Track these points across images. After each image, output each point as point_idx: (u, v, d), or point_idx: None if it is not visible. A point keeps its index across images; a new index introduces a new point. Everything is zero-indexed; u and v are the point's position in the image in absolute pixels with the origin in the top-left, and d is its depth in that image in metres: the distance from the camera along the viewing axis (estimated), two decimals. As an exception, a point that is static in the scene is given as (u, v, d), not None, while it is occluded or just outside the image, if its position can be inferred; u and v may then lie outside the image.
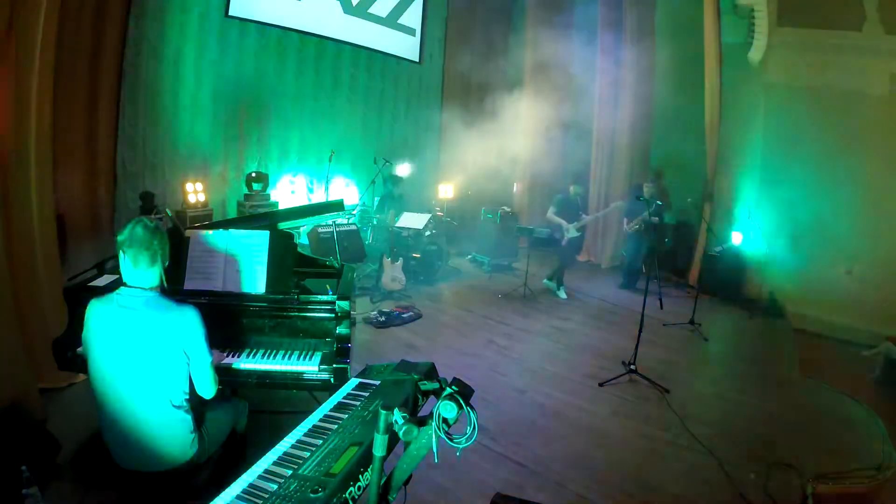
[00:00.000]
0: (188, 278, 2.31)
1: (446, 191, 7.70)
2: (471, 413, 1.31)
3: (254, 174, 6.14)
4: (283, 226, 2.72)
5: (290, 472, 1.37)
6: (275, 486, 1.31)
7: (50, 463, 2.35)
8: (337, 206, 2.93)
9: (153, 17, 5.14)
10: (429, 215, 6.08)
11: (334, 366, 2.26)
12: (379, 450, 1.27)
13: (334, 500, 1.25)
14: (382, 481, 1.36)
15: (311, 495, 1.25)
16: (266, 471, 1.38)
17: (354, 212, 6.43)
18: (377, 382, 1.90)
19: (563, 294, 6.04)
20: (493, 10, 8.50)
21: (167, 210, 3.65)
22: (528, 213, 8.07)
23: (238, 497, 1.28)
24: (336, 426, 1.60)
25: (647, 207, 4.68)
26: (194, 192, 5.53)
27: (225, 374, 2.18)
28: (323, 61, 6.91)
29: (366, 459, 1.38)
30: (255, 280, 2.32)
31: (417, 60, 8.01)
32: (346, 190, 7.19)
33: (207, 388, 1.84)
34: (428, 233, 6.21)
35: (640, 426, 3.27)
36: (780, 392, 3.92)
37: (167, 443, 1.73)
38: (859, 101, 5.42)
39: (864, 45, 5.38)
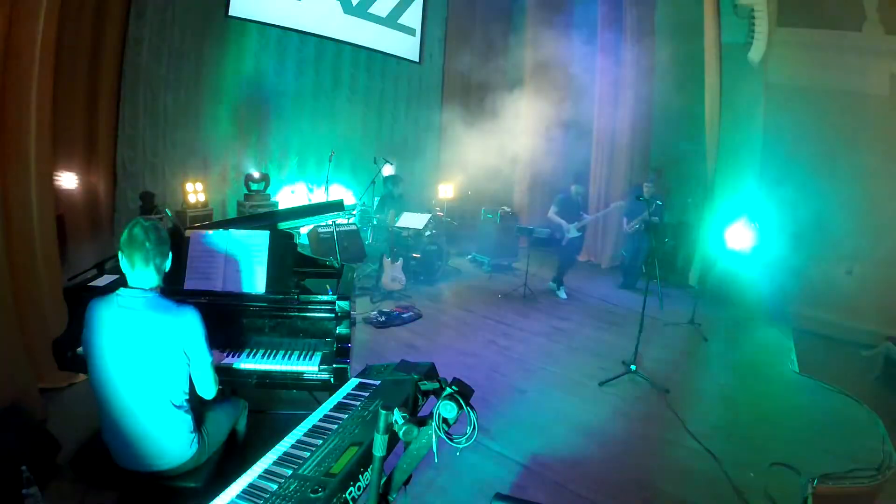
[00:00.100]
0: (188, 278, 2.31)
1: (446, 191, 7.70)
2: (471, 413, 1.31)
3: (254, 174, 6.15)
4: (283, 226, 2.72)
5: (290, 472, 1.37)
6: (275, 486, 1.31)
7: (50, 463, 2.35)
8: (337, 206, 2.94)
9: (153, 17, 5.13)
10: (429, 215, 6.08)
11: (334, 366, 2.26)
12: (379, 450, 1.27)
13: (334, 500, 1.26)
14: (382, 481, 1.36)
15: (311, 495, 1.26)
16: (266, 471, 1.39)
17: (354, 212, 6.43)
18: (377, 382, 1.90)
19: (563, 294, 6.04)
20: (493, 10, 8.49)
21: (167, 210, 3.66)
22: (528, 213, 8.07)
23: (238, 497, 1.28)
24: (336, 426, 1.60)
25: (647, 207, 4.67)
26: (194, 192, 5.53)
27: (225, 374, 2.18)
28: (323, 61, 6.91)
29: (366, 459, 1.38)
30: (255, 280, 2.32)
31: (417, 60, 8.01)
32: (345, 191, 7.19)
33: (208, 389, 1.84)
34: (428, 233, 6.21)
35: (640, 426, 3.26)
36: (780, 392, 3.92)
37: (167, 443, 1.73)
38: (859, 101, 5.41)
39: (864, 45, 5.37)
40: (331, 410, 1.72)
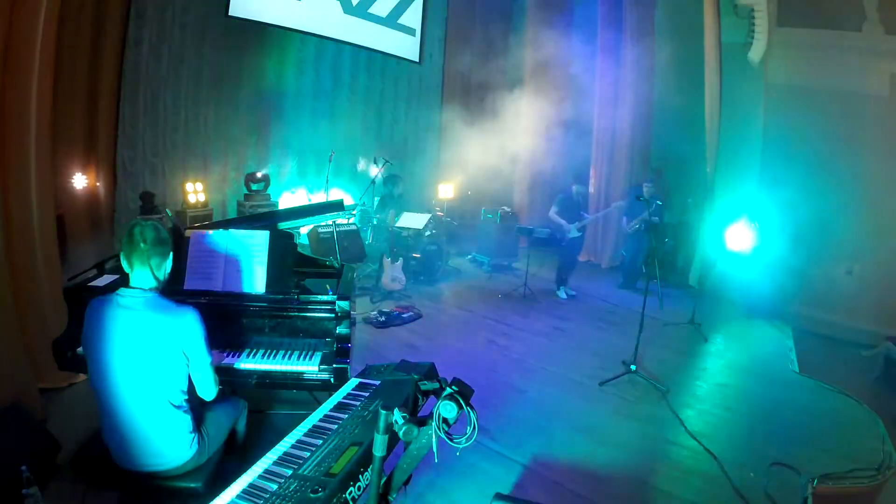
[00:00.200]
0: (188, 278, 2.31)
1: (446, 191, 7.70)
2: (471, 413, 1.32)
3: (254, 174, 6.14)
4: (283, 226, 2.72)
5: (290, 471, 1.37)
6: (275, 486, 1.31)
7: (50, 463, 2.35)
8: (337, 206, 2.94)
9: (153, 17, 5.14)
10: (429, 215, 6.08)
11: (334, 366, 2.26)
12: (379, 450, 1.27)
13: (334, 500, 1.26)
14: (382, 481, 1.37)
15: (311, 495, 1.26)
16: (266, 471, 1.39)
17: (354, 212, 6.43)
18: (377, 382, 1.90)
19: (563, 294, 6.04)
20: (493, 10, 8.49)
21: (167, 210, 3.66)
22: (528, 213, 8.07)
23: (238, 497, 1.28)
24: (336, 426, 1.60)
25: (647, 207, 4.67)
26: (194, 192, 5.54)
27: (225, 374, 2.18)
28: (323, 61, 6.91)
29: (366, 459, 1.38)
30: (255, 280, 2.32)
31: (417, 60, 8.00)
32: (344, 193, 7.19)
33: (208, 391, 1.84)
34: (428, 233, 6.21)
35: (640, 426, 3.26)
36: (780, 392, 3.92)
37: (167, 443, 1.73)
38: (859, 101, 5.41)
39: (864, 45, 5.36)
40: (331, 410, 1.72)
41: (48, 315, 2.91)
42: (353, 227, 6.01)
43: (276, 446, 1.51)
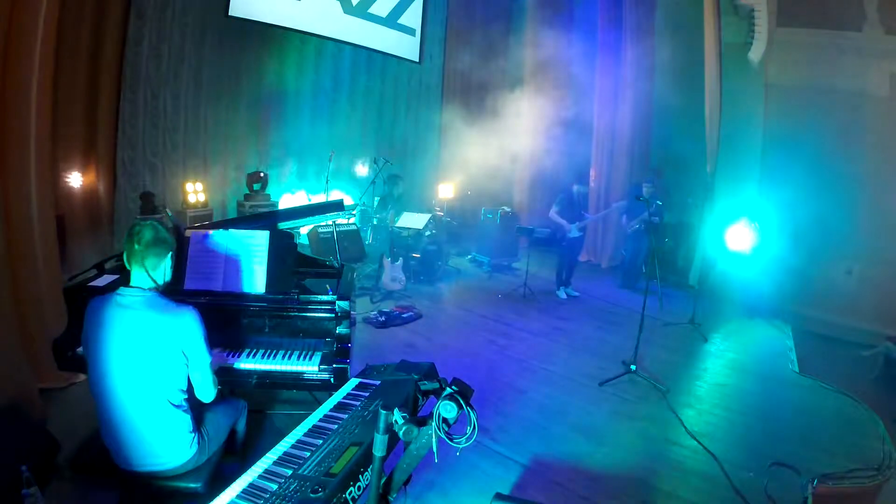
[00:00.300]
0: (188, 278, 2.31)
1: (446, 191, 7.70)
2: (471, 413, 1.32)
3: (254, 174, 6.14)
4: (283, 226, 2.72)
5: (290, 471, 1.37)
6: (275, 486, 1.31)
7: (50, 463, 2.35)
8: (337, 206, 2.94)
9: (153, 17, 5.14)
10: (429, 215, 6.08)
11: (334, 366, 2.26)
12: (379, 450, 1.27)
13: (334, 500, 1.26)
14: (382, 481, 1.37)
15: (311, 495, 1.26)
16: (266, 471, 1.39)
17: (354, 212, 6.44)
18: (377, 382, 1.90)
19: (562, 294, 6.04)
20: (493, 10, 8.50)
21: (167, 210, 3.65)
22: (528, 213, 8.07)
23: (238, 497, 1.28)
24: (336, 426, 1.60)
25: (647, 207, 4.67)
26: (194, 192, 5.54)
27: (225, 374, 2.18)
28: (323, 61, 6.91)
29: (366, 459, 1.38)
30: (254, 280, 2.32)
31: (417, 60, 8.01)
32: (344, 195, 7.19)
33: (207, 392, 1.83)
34: (428, 233, 6.21)
35: (640, 426, 3.26)
36: (780, 392, 3.92)
37: (166, 443, 1.73)
38: (859, 101, 5.41)
39: (864, 45, 5.37)
40: (331, 410, 1.72)
41: (48, 315, 2.91)
42: (353, 227, 6.01)
43: (276, 446, 1.51)
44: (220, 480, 1.76)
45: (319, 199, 6.68)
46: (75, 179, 4.76)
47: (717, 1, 5.84)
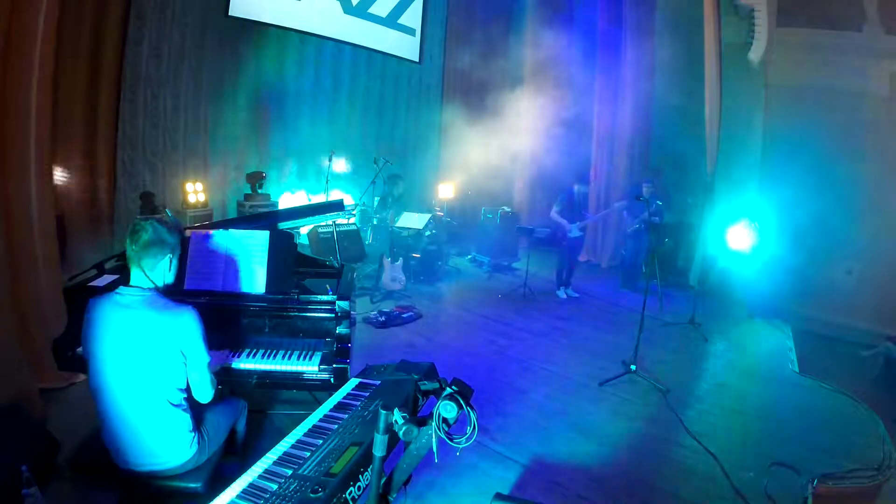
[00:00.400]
0: (188, 278, 2.31)
1: (446, 191, 7.70)
2: (471, 413, 1.32)
3: (254, 174, 6.14)
4: (283, 226, 2.72)
5: (290, 471, 1.37)
6: (275, 486, 1.31)
7: (50, 463, 2.35)
8: (337, 206, 2.94)
9: (153, 17, 5.14)
10: (429, 215, 6.08)
11: (334, 366, 2.26)
12: (379, 450, 1.27)
13: (334, 500, 1.26)
14: (382, 481, 1.37)
15: (311, 495, 1.26)
16: (266, 471, 1.39)
17: (354, 212, 6.43)
18: (377, 382, 1.90)
19: (562, 294, 6.04)
20: (493, 10, 8.50)
21: (167, 210, 3.65)
22: (528, 213, 8.07)
23: (238, 497, 1.28)
24: (336, 426, 1.60)
25: (647, 207, 4.67)
26: (194, 192, 5.53)
27: (225, 374, 2.18)
28: (323, 61, 6.91)
29: (366, 459, 1.38)
30: (254, 280, 2.32)
31: (417, 60, 8.01)
32: (344, 194, 7.19)
33: (204, 392, 1.82)
34: (428, 233, 6.21)
35: (640, 426, 3.26)
36: (780, 392, 3.92)
37: (166, 442, 1.73)
38: (859, 101, 5.41)
39: (864, 45, 5.36)
40: (331, 410, 1.72)
41: (48, 315, 2.90)
42: (353, 227, 6.01)
43: (276, 446, 1.51)
44: (220, 480, 1.76)
45: (319, 199, 6.68)
46: (75, 179, 4.76)
47: (717, 1, 5.84)
